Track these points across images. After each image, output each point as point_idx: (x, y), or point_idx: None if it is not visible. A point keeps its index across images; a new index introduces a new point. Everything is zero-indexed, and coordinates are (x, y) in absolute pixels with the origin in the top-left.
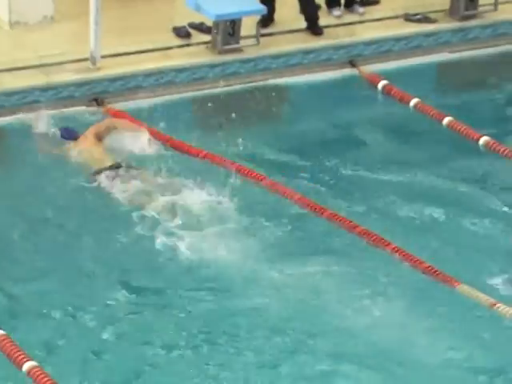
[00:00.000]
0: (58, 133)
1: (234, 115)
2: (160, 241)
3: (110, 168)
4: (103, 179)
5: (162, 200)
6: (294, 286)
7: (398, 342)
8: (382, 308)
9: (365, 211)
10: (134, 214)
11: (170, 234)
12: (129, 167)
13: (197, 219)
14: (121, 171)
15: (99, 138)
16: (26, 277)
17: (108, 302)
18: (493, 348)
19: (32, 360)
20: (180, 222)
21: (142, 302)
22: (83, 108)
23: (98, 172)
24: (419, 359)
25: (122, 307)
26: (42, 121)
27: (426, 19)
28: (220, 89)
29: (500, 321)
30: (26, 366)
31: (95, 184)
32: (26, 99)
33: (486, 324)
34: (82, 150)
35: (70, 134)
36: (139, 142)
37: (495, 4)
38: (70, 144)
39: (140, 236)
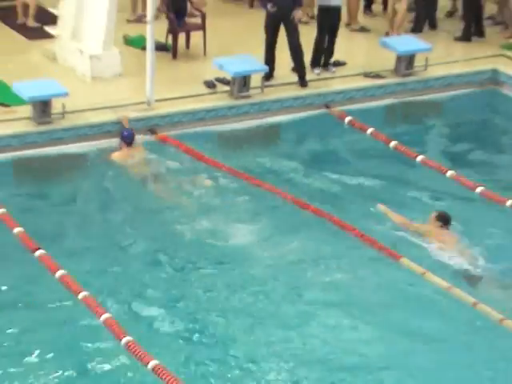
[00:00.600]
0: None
1: (245, 141)
2: (189, 226)
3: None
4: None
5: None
6: (282, 256)
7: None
8: (341, 268)
9: (339, 206)
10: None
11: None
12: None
13: (217, 214)
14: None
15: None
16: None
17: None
18: (416, 312)
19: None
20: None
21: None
22: (142, 136)
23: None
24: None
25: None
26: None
27: (378, 76)
28: (235, 124)
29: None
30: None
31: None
32: (102, 130)
33: (414, 291)
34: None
35: (128, 136)
36: None
37: (425, 65)
38: (124, 147)
39: (178, 222)
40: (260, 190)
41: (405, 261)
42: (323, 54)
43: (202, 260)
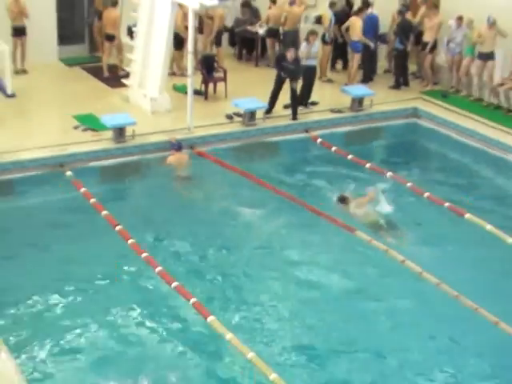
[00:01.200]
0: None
1: (253, 153)
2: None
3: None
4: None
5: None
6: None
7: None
8: (317, 245)
9: (311, 195)
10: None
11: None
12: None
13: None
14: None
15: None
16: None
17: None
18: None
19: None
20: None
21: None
22: (185, 150)
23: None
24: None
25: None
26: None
27: (339, 111)
28: (245, 142)
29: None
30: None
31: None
32: (158, 146)
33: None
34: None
35: (178, 144)
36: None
37: (371, 104)
38: (175, 153)
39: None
40: (263, 187)
41: (358, 233)
42: (304, 97)
43: (220, 232)
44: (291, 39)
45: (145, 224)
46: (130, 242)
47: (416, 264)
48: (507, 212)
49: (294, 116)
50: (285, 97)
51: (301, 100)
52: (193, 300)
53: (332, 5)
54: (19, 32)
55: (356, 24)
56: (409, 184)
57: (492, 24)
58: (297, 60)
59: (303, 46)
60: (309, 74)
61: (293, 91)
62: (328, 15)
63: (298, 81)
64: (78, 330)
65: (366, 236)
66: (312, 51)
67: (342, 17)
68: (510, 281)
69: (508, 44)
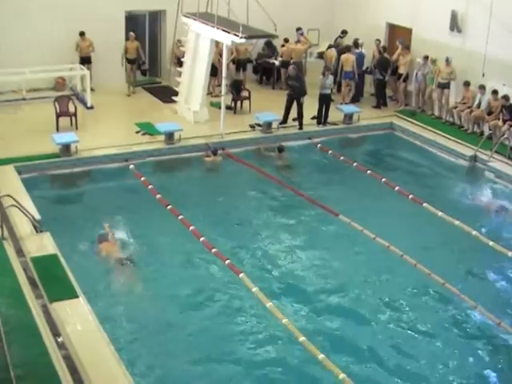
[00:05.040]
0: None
1: (266, 154)
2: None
3: None
4: None
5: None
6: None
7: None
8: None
9: (314, 188)
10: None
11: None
12: None
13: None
14: None
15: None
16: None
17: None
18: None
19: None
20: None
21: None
22: (219, 152)
23: None
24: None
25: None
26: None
27: (335, 124)
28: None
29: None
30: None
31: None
32: (198, 148)
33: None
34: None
35: (214, 149)
36: None
37: (358, 119)
38: (211, 155)
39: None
40: (273, 182)
41: (342, 217)
42: (322, 118)
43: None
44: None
45: (189, 204)
46: (179, 217)
47: (383, 238)
48: (456, 203)
49: (300, 127)
50: (294, 111)
51: (319, 120)
52: (227, 262)
53: (336, 45)
54: (84, 61)
55: (349, 59)
56: (383, 179)
57: (449, 62)
58: (298, 77)
59: (320, 78)
60: (325, 100)
61: (299, 107)
62: (333, 53)
63: (304, 97)
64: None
65: (346, 219)
66: (327, 83)
67: (340, 54)
68: (440, 245)
69: (459, 77)
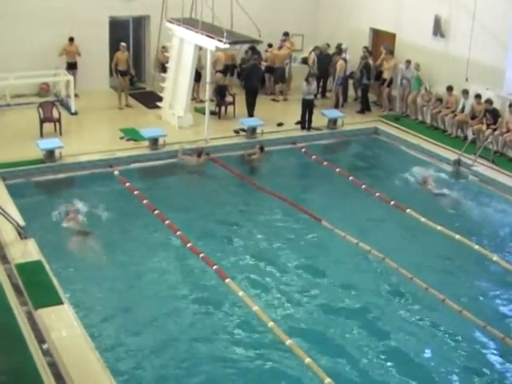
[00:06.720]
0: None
1: (249, 158)
2: None
3: None
4: None
5: None
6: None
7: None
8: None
9: (296, 191)
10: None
11: None
12: None
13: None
14: None
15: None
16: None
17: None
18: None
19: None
20: None
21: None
22: (203, 156)
23: None
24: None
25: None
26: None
27: (319, 129)
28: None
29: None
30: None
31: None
32: (183, 152)
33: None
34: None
35: (198, 151)
36: None
37: (342, 124)
38: (194, 156)
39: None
40: (254, 185)
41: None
42: (306, 123)
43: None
44: (280, 72)
45: (176, 209)
46: (166, 222)
47: (366, 243)
48: (440, 209)
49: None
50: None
51: (303, 125)
52: (202, 254)
53: (315, 49)
54: (71, 66)
55: (342, 65)
56: (363, 186)
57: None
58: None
59: (304, 85)
60: (309, 106)
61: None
62: (312, 57)
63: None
64: None
65: (328, 224)
66: (311, 89)
67: (322, 59)
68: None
69: (443, 81)
